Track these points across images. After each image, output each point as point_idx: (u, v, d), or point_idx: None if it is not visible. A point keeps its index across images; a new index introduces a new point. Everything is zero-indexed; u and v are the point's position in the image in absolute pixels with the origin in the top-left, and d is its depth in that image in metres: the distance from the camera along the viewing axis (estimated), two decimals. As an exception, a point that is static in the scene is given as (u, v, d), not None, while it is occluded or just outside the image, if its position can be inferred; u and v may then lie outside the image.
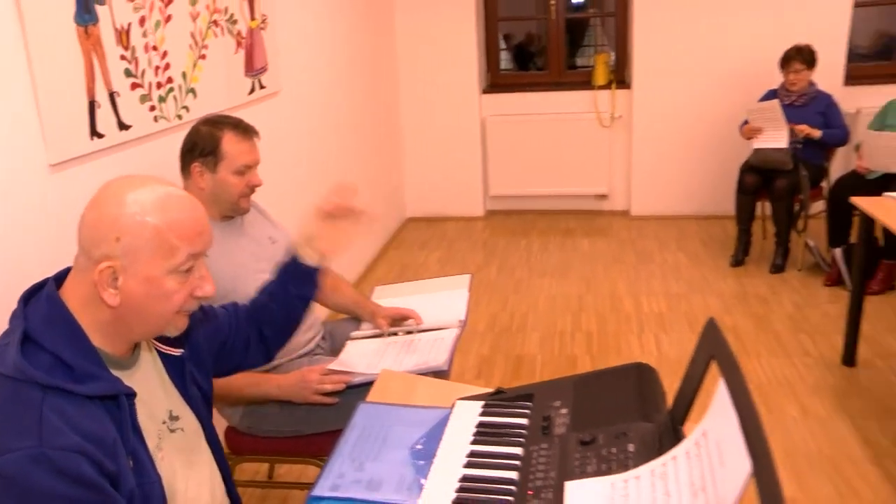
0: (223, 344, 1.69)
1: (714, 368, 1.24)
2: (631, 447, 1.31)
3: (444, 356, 2.14)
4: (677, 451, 1.19)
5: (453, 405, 1.61)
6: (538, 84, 5.95)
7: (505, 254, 5.15)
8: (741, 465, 0.99)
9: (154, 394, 1.44)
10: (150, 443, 1.35)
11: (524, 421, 1.50)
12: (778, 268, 4.74)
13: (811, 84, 4.75)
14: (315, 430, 2.20)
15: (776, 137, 4.60)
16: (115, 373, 1.32)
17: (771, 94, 4.84)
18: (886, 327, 3.93)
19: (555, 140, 5.77)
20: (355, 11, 4.75)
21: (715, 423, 1.13)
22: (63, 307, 1.29)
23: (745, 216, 4.83)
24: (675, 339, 3.86)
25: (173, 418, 1.47)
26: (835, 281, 4.49)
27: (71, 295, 1.30)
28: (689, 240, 5.36)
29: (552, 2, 5.79)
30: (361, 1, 4.86)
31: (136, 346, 1.41)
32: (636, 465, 1.24)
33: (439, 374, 2.08)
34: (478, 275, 4.78)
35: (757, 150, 4.70)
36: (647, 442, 1.31)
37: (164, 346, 1.49)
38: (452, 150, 5.92)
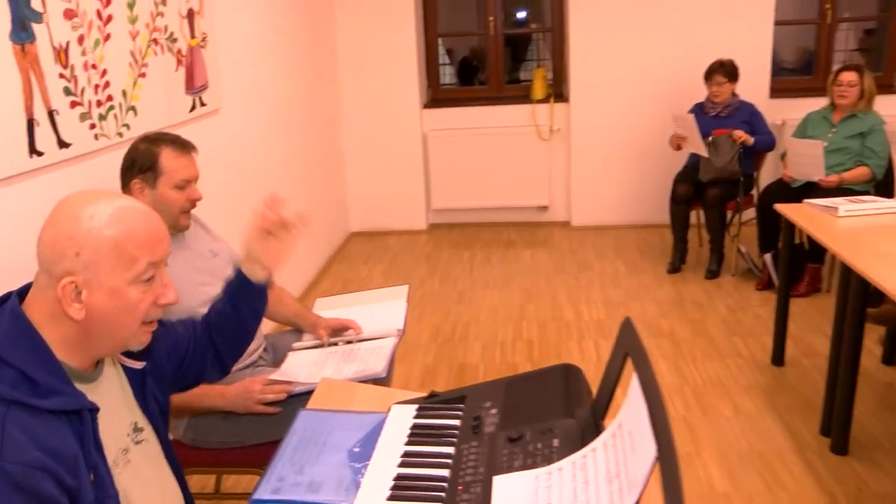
0: (183, 358, 1.71)
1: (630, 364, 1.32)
2: (555, 442, 1.38)
3: (382, 364, 2.20)
4: (597, 442, 1.27)
5: (389, 409, 1.67)
6: (478, 99, 6.06)
7: (448, 266, 5.23)
8: (649, 451, 1.08)
9: (117, 407, 1.46)
10: (110, 457, 1.36)
11: (456, 422, 1.57)
12: (713, 274, 4.90)
13: (734, 95, 4.96)
14: (259, 440, 2.24)
15: (698, 147, 4.79)
16: (79, 386, 1.33)
17: (697, 107, 5.04)
18: (812, 328, 4.10)
19: (496, 153, 5.88)
20: (296, 27, 4.80)
21: (629, 415, 1.21)
22: (27, 322, 1.30)
23: (679, 225, 4.99)
24: (612, 347, 3.95)
25: (137, 430, 1.49)
26: (766, 285, 4.67)
27: (34, 310, 1.32)
28: (627, 249, 5.51)
29: (490, 18, 5.91)
30: (302, 16, 4.92)
31: (99, 360, 1.43)
32: (560, 458, 1.31)
33: (378, 381, 2.14)
34: (421, 287, 4.85)
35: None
36: (571, 436, 1.39)
37: (126, 360, 1.51)
38: (395, 164, 5.99)
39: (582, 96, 5.78)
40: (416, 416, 1.63)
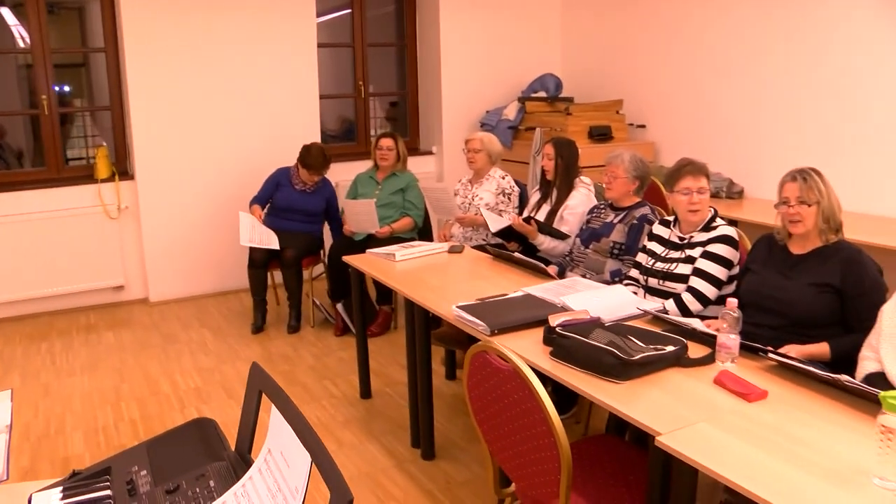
0: None
1: (266, 400, 1.57)
2: (212, 483, 1.57)
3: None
4: (251, 471, 1.49)
5: (29, 500, 1.68)
6: (35, 182, 5.70)
7: (25, 360, 4.88)
8: (303, 459, 1.34)
9: None
10: None
11: (107, 492, 1.65)
12: (294, 328, 5.28)
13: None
14: None
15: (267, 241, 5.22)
16: None
17: (286, 178, 5.47)
18: (389, 361, 4.69)
19: (62, 237, 5.62)
20: None
21: (275, 439, 1.46)
22: None
23: (258, 287, 5.29)
24: (216, 406, 4.11)
25: None
26: (342, 330, 5.18)
27: None
28: (210, 316, 5.67)
29: (44, 97, 5.67)
30: None
31: None
32: (220, 494, 1.51)
33: (-1, 481, 2.08)
34: (0, 387, 4.50)
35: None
36: (225, 475, 1.59)
37: None
38: (-56, 260, 5.41)
39: (148, 173, 5.81)
40: (63, 498, 1.67)
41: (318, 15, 6.28)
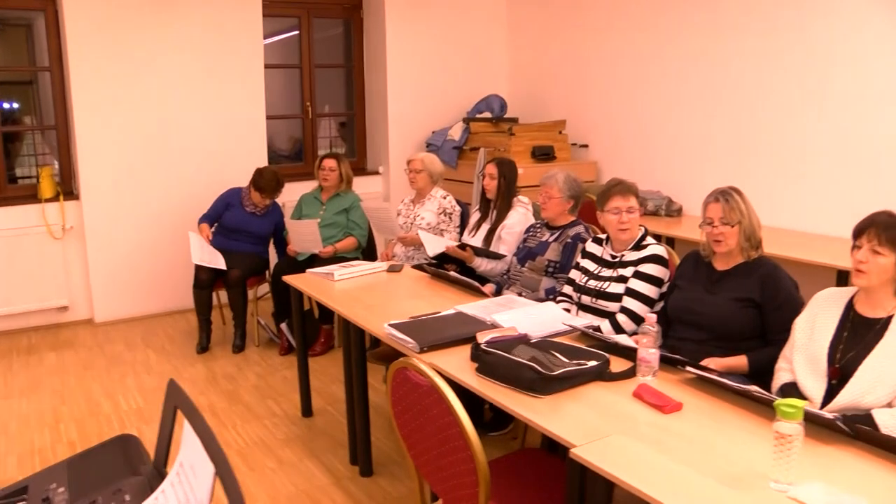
0: None
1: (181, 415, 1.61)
2: (127, 497, 1.60)
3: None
4: (164, 485, 1.53)
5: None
6: None
7: (-39, 384, 4.84)
8: (208, 470, 1.38)
9: None
10: None
11: (23, 510, 1.68)
12: (238, 348, 5.29)
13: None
14: None
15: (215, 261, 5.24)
16: None
17: (237, 199, 5.48)
18: (331, 379, 4.71)
19: (4, 257, 5.57)
20: None
21: (186, 453, 1.50)
22: None
23: (203, 307, 5.28)
24: (157, 426, 4.09)
25: None
26: (287, 350, 5.20)
27: None
28: (156, 336, 5.65)
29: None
30: None
31: None
32: (134, 508, 1.54)
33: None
34: (-67, 410, 4.43)
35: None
36: (141, 490, 1.62)
37: None
38: None
39: (93, 192, 5.78)
40: (-25, 520, 1.69)
41: (267, 36, 6.33)
